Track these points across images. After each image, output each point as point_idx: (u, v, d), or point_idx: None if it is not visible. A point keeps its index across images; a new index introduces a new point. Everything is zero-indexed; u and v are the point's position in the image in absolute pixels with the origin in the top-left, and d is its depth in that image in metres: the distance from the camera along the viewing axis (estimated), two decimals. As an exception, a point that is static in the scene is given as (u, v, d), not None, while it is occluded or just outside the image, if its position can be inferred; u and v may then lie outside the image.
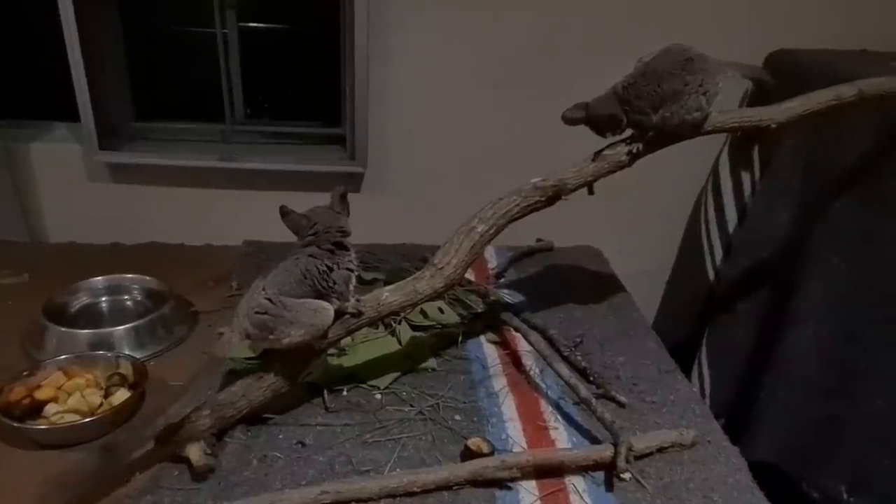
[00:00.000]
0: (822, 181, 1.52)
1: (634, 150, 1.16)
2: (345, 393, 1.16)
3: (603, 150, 1.18)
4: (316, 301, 0.98)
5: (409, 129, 1.90)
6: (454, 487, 0.95)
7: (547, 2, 1.79)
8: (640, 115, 1.12)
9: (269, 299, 0.96)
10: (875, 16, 1.80)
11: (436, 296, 1.13)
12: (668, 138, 1.16)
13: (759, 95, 1.29)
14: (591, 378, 1.21)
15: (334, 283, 0.99)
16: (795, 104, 1.22)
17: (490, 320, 1.39)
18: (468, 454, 1.00)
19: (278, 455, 1.00)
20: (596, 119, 1.13)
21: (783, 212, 1.62)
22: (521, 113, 1.88)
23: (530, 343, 1.26)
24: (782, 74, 1.64)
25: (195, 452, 0.95)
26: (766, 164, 1.70)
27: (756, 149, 1.75)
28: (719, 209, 1.86)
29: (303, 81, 2.20)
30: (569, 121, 1.14)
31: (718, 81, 1.12)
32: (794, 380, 1.51)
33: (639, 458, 1.01)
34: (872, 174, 1.41)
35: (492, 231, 1.13)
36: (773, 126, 1.20)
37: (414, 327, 1.32)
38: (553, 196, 1.15)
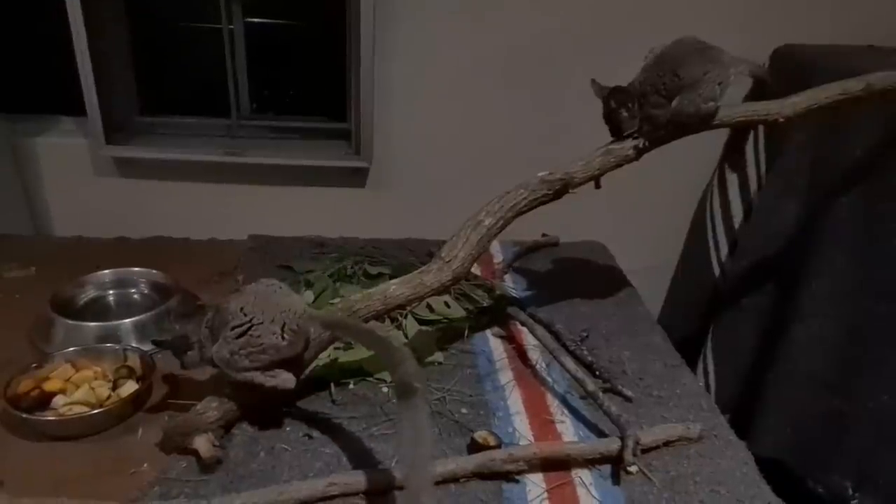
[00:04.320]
0: (828, 177, 1.52)
1: (641, 145, 1.16)
2: (351, 386, 1.16)
3: (610, 143, 1.18)
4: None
5: (414, 123, 1.90)
6: (461, 480, 0.95)
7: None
8: (655, 109, 1.12)
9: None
10: (882, 11, 1.79)
11: (443, 289, 1.13)
12: (676, 131, 1.16)
13: (758, 95, 1.29)
14: (598, 372, 1.21)
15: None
16: (802, 98, 1.22)
17: (496, 314, 1.39)
18: (475, 447, 1.00)
19: (286, 447, 1.01)
20: (616, 96, 1.14)
21: (789, 208, 1.62)
22: (526, 108, 1.87)
23: (536, 337, 1.26)
24: (789, 70, 1.64)
25: (203, 444, 0.96)
26: (773, 159, 1.70)
27: (762, 144, 1.75)
28: (725, 205, 1.86)
29: (308, 76, 2.20)
30: (596, 90, 1.15)
31: (731, 74, 1.12)
32: (800, 376, 1.50)
33: (646, 451, 1.02)
34: (879, 170, 1.41)
35: (499, 224, 1.13)
36: (781, 120, 1.20)
37: (420, 321, 1.32)
38: (560, 189, 1.15)
